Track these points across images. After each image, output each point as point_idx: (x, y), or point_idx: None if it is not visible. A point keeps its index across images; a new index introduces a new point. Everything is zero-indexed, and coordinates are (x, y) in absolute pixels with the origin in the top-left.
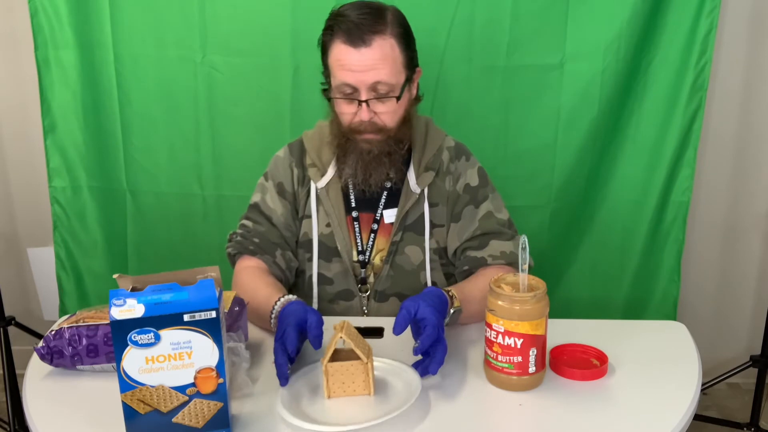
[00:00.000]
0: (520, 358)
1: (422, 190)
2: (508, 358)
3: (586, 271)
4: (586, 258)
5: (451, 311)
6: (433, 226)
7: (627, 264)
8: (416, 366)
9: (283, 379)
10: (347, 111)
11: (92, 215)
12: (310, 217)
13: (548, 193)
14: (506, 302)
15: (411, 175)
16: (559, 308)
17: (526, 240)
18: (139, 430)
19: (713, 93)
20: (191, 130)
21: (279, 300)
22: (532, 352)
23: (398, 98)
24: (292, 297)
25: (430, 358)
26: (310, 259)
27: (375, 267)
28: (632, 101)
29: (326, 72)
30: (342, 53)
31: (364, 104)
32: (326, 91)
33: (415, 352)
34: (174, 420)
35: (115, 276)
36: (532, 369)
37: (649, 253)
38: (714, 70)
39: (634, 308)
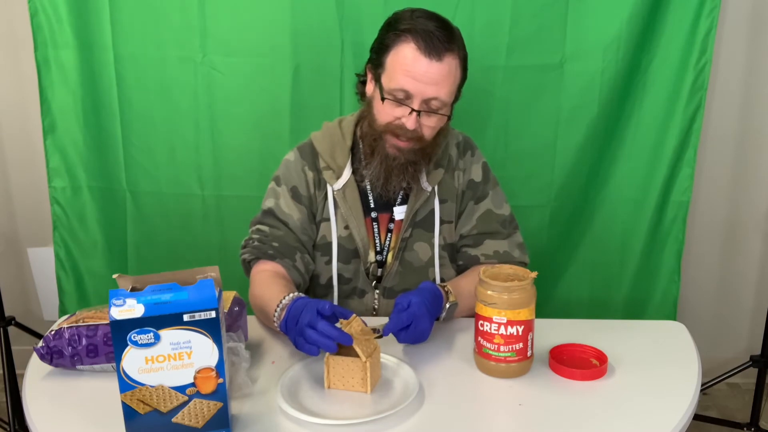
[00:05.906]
0: (521, 345)
1: (433, 188)
2: (510, 347)
3: (586, 271)
4: (586, 258)
5: (447, 305)
6: (441, 222)
7: (627, 264)
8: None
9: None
10: (392, 113)
11: (92, 215)
12: (328, 220)
13: (548, 192)
14: (506, 293)
15: (422, 173)
16: (559, 308)
17: None
18: (138, 430)
19: (713, 93)
20: (191, 130)
21: (285, 296)
22: (530, 336)
23: (449, 118)
24: (299, 293)
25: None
26: (328, 263)
27: (387, 265)
28: (632, 101)
29: (378, 70)
30: (411, 59)
31: (414, 113)
32: (363, 85)
33: (384, 332)
34: (174, 420)
35: (114, 276)
36: (530, 353)
37: (649, 253)
38: (714, 70)
39: (634, 308)
